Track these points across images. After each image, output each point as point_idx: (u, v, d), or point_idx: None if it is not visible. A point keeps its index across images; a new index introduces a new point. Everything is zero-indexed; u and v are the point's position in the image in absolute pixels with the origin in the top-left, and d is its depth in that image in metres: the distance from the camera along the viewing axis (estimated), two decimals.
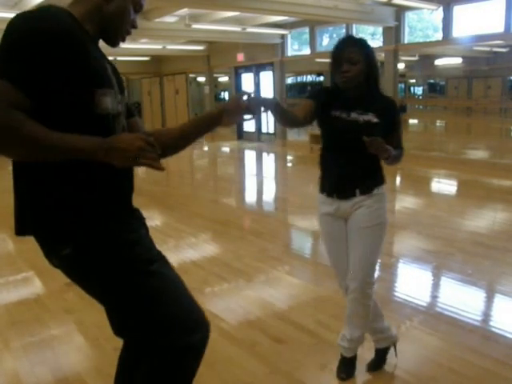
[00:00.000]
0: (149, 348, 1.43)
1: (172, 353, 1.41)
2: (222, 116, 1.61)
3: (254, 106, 1.63)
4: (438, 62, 16.74)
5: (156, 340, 1.41)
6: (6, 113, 1.13)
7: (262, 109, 1.70)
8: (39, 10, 1.27)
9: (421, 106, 23.58)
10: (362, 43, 2.11)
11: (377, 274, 3.91)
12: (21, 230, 1.35)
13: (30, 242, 1.37)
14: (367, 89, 2.13)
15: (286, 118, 2.09)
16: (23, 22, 1.22)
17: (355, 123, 2.09)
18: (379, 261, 4.12)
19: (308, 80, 22.56)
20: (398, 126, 2.22)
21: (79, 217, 1.30)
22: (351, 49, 2.05)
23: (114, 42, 1.46)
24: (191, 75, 16.50)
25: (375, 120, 2.09)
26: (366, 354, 2.48)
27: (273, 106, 1.82)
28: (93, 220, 1.32)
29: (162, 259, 1.47)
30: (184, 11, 9.23)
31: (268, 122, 13.25)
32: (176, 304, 1.43)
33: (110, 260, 1.34)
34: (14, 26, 1.22)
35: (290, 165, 10.71)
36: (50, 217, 1.30)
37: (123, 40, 1.47)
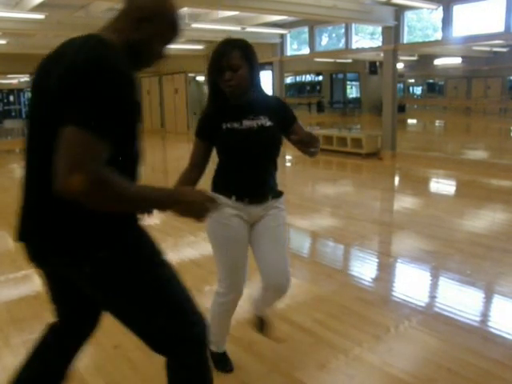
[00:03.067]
0: (173, 348, 1.49)
1: (192, 351, 1.49)
2: None
3: None
4: (438, 61, 16.76)
5: (179, 333, 1.47)
6: (96, 169, 1.15)
7: None
8: (108, 49, 1.28)
9: (420, 106, 23.60)
10: (241, 46, 1.97)
11: (375, 273, 3.94)
12: (35, 237, 1.38)
13: None
14: (254, 92, 2.03)
15: (191, 183, 2.05)
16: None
17: (249, 130, 2.01)
18: (377, 260, 4.14)
19: (307, 79, 22.58)
20: (295, 118, 2.14)
21: (113, 220, 1.35)
22: (231, 54, 1.92)
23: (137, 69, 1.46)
24: (190, 74, 16.48)
25: (269, 123, 2.04)
26: (368, 353, 2.49)
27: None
28: (123, 223, 1.40)
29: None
30: (184, 10, 9.22)
31: None
32: (185, 292, 1.51)
33: (137, 258, 1.42)
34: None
35: (288, 164, 10.71)
36: (86, 223, 1.32)
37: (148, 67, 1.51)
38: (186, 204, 1.36)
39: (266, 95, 2.12)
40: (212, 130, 2.04)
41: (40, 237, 1.36)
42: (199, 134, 2.09)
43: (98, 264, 1.35)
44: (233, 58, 1.90)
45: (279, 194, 2.20)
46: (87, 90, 1.18)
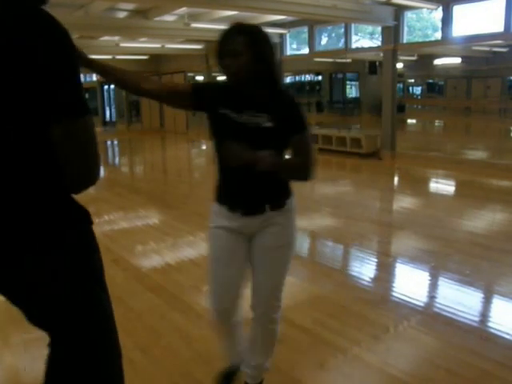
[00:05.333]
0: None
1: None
2: None
3: None
4: (437, 61, 16.75)
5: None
6: None
7: None
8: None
9: (419, 106, 23.61)
10: (247, 31, 1.71)
11: (374, 273, 3.94)
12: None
13: None
14: (262, 85, 1.75)
15: (122, 81, 1.99)
16: None
17: (244, 126, 1.74)
18: (376, 260, 4.14)
19: (306, 79, 22.57)
20: (301, 129, 1.77)
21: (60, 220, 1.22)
22: (233, 39, 1.69)
23: None
24: (190, 74, 16.47)
25: (267, 124, 1.72)
26: (365, 355, 2.49)
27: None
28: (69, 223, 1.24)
29: None
30: (183, 10, 9.21)
31: None
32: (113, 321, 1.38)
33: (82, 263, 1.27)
34: None
35: None
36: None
37: None
38: None
39: (280, 92, 1.79)
40: (207, 99, 1.83)
41: None
42: (196, 85, 1.88)
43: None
44: (234, 43, 1.68)
45: (282, 204, 1.86)
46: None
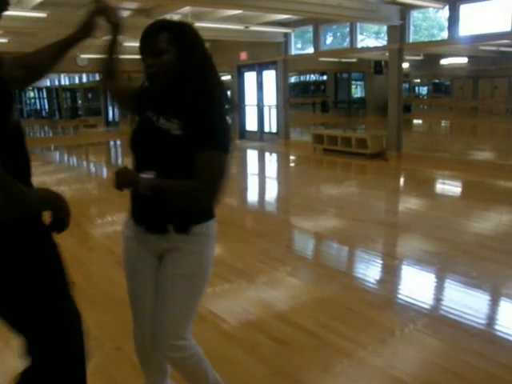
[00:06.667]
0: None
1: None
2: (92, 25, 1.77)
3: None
4: (444, 61, 16.67)
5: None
6: None
7: None
8: None
9: (425, 106, 23.50)
10: (172, 26, 1.56)
11: (380, 275, 3.90)
12: None
13: None
14: (184, 87, 1.55)
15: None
16: None
17: (158, 131, 1.60)
18: (382, 262, 4.10)
19: (311, 79, 22.51)
20: (207, 146, 1.52)
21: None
22: (157, 36, 1.54)
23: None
24: None
25: (176, 132, 1.56)
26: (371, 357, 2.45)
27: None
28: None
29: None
30: (187, 9, 9.20)
31: (270, 121, 13.21)
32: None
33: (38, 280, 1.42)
34: None
35: (292, 165, 10.67)
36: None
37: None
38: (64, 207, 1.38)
39: (196, 96, 1.56)
40: (140, 103, 1.72)
41: None
42: (140, 88, 1.75)
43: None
44: (159, 40, 1.54)
45: (186, 229, 1.63)
46: None
